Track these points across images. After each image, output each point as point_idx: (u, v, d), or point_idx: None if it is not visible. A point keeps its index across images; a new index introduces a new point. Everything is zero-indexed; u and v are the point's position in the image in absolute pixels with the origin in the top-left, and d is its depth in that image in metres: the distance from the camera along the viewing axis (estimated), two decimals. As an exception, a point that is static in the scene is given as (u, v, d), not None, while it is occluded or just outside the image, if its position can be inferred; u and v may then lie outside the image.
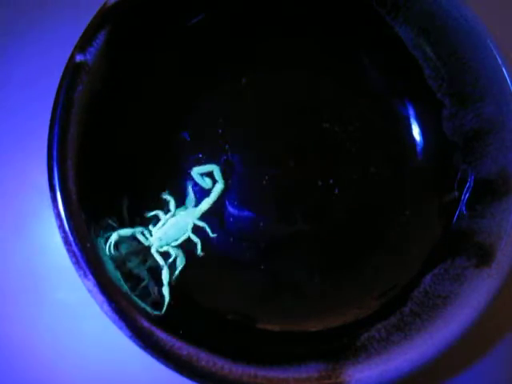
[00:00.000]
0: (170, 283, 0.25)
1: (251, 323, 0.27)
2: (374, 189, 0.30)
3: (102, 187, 0.26)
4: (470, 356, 0.30)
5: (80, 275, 0.23)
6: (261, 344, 0.26)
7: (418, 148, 0.30)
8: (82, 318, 0.29)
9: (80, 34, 0.25)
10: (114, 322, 0.22)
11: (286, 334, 0.27)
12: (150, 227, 0.27)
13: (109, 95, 0.26)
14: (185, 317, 0.26)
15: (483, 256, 0.26)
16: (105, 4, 0.25)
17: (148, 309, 0.24)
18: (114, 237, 0.25)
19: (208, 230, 0.27)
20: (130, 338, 0.22)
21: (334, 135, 0.30)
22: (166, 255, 0.27)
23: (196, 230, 0.27)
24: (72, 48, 0.24)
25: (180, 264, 0.26)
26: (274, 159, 0.29)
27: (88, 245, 0.23)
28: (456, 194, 0.28)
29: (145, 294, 0.25)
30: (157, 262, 0.26)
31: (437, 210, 0.29)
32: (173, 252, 0.26)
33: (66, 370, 0.29)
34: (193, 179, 0.28)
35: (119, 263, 0.25)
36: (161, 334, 0.22)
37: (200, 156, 0.29)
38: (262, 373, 0.23)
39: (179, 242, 0.27)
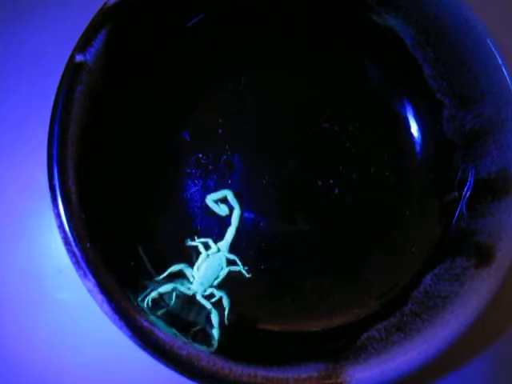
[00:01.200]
0: (220, 325, 0.25)
1: (251, 323, 0.27)
2: (373, 189, 0.30)
3: (102, 188, 0.26)
4: (469, 355, 0.30)
5: (80, 275, 0.22)
6: (261, 344, 0.26)
7: (418, 148, 0.30)
8: (82, 317, 0.29)
9: (80, 34, 0.25)
10: (114, 322, 0.22)
11: (285, 334, 0.27)
12: (188, 273, 0.27)
13: (109, 95, 0.26)
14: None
15: (483, 256, 0.26)
16: (105, 4, 0.25)
17: (205, 348, 0.23)
18: (153, 294, 0.25)
19: (239, 262, 0.27)
20: (130, 337, 0.22)
21: (334, 135, 0.30)
22: (210, 297, 0.26)
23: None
24: (72, 48, 0.24)
25: (227, 304, 0.26)
26: (273, 159, 0.29)
27: (88, 245, 0.23)
28: (456, 194, 0.28)
29: (198, 335, 0.25)
30: (204, 306, 0.26)
31: (437, 209, 0.29)
32: (217, 293, 0.26)
33: (66, 370, 0.29)
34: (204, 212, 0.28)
35: (170, 319, 0.25)
36: (161, 334, 0.22)
37: (200, 156, 0.29)
38: (262, 373, 0.23)
39: (221, 279, 0.27)
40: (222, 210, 0.28)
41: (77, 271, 0.23)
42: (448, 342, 0.24)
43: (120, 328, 0.22)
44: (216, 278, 0.27)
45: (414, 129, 0.31)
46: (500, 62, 0.26)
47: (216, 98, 0.30)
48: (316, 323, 0.27)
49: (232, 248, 0.28)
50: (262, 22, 0.30)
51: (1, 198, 0.30)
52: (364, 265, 0.29)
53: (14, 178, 0.30)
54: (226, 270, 0.27)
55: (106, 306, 0.22)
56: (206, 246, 0.27)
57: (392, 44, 0.29)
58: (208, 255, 0.27)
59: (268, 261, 0.28)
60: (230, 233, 0.28)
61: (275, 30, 0.30)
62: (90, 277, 0.22)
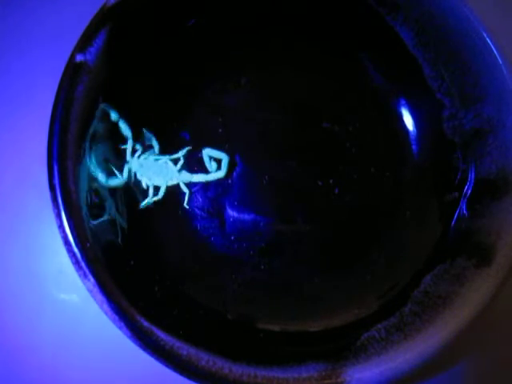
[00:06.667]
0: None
1: (251, 323, 0.27)
2: (373, 189, 0.30)
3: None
4: (469, 355, 0.30)
5: (80, 275, 0.22)
6: (261, 344, 0.26)
7: (418, 148, 0.30)
8: (82, 317, 0.29)
9: (80, 34, 0.25)
10: (114, 322, 0.22)
11: (285, 334, 0.27)
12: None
13: (109, 95, 0.26)
14: (185, 317, 0.26)
15: (483, 256, 0.26)
16: (105, 4, 0.25)
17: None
18: (114, 116, 0.26)
19: (186, 198, 0.28)
20: (130, 338, 0.22)
21: (334, 135, 0.30)
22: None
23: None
24: (72, 48, 0.24)
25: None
26: (273, 159, 0.29)
27: (88, 245, 0.23)
28: (456, 194, 0.28)
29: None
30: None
31: (437, 210, 0.29)
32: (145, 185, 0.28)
33: (67, 370, 0.29)
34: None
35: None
36: (161, 334, 0.22)
37: (200, 156, 0.29)
38: (262, 373, 0.23)
39: (150, 182, 0.28)
40: (210, 165, 0.28)
41: (77, 271, 0.23)
42: (448, 342, 0.24)
43: (120, 328, 0.22)
44: (149, 179, 0.27)
45: (414, 129, 0.31)
46: (500, 61, 0.26)
47: (216, 98, 0.30)
48: (316, 323, 0.27)
49: (231, 247, 0.28)
50: (262, 23, 0.30)
51: (1, 198, 0.30)
52: (364, 265, 0.29)
53: (14, 178, 0.30)
54: (163, 184, 0.28)
55: (105, 306, 0.22)
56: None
57: (392, 44, 0.29)
58: (167, 162, 0.28)
59: (268, 261, 0.28)
60: (200, 177, 0.28)
61: (275, 30, 0.30)
62: (89, 277, 0.22)
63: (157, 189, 0.28)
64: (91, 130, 0.25)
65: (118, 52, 0.26)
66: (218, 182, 0.29)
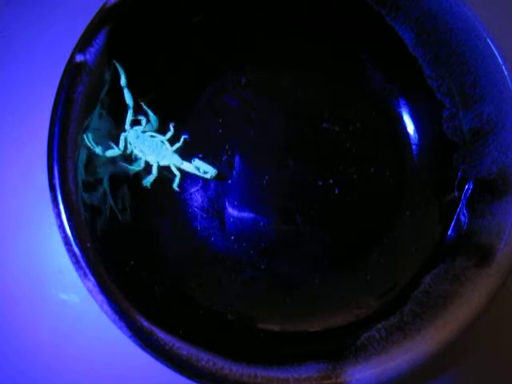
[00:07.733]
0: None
1: (251, 323, 0.27)
2: (373, 189, 0.30)
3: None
4: (469, 355, 0.30)
5: (80, 275, 0.22)
6: (261, 344, 0.26)
7: (418, 148, 0.30)
8: (82, 317, 0.29)
9: (80, 34, 0.25)
10: (114, 322, 0.22)
11: (286, 334, 0.27)
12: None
13: (109, 95, 0.26)
14: (185, 317, 0.26)
15: (483, 256, 0.26)
16: (105, 4, 0.25)
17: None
18: (123, 81, 0.26)
19: (177, 181, 0.28)
20: (130, 338, 0.22)
21: (334, 135, 0.30)
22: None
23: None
24: (72, 48, 0.24)
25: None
26: (273, 159, 0.29)
27: (88, 245, 0.23)
28: (456, 194, 0.28)
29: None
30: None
31: (437, 210, 0.29)
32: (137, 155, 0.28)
33: (67, 370, 0.29)
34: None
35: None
36: (161, 334, 0.22)
37: (200, 156, 0.29)
38: (262, 373, 0.23)
39: (142, 156, 0.28)
40: (199, 172, 0.28)
41: (77, 271, 0.23)
42: (448, 342, 0.24)
43: (120, 328, 0.22)
44: (141, 151, 0.28)
45: (414, 129, 0.31)
46: (500, 61, 0.26)
47: (216, 98, 0.30)
48: (316, 323, 0.27)
49: (231, 247, 0.28)
50: (262, 22, 0.30)
51: (1, 198, 0.30)
52: (364, 265, 0.29)
53: (14, 178, 0.30)
54: (155, 161, 0.28)
55: (105, 306, 0.22)
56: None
57: (392, 44, 0.29)
58: (163, 142, 0.28)
59: (268, 261, 0.28)
60: (188, 166, 0.28)
61: (275, 30, 0.30)
62: (90, 277, 0.22)
63: (148, 166, 0.28)
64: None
65: (117, 52, 0.26)
66: (217, 181, 0.29)
